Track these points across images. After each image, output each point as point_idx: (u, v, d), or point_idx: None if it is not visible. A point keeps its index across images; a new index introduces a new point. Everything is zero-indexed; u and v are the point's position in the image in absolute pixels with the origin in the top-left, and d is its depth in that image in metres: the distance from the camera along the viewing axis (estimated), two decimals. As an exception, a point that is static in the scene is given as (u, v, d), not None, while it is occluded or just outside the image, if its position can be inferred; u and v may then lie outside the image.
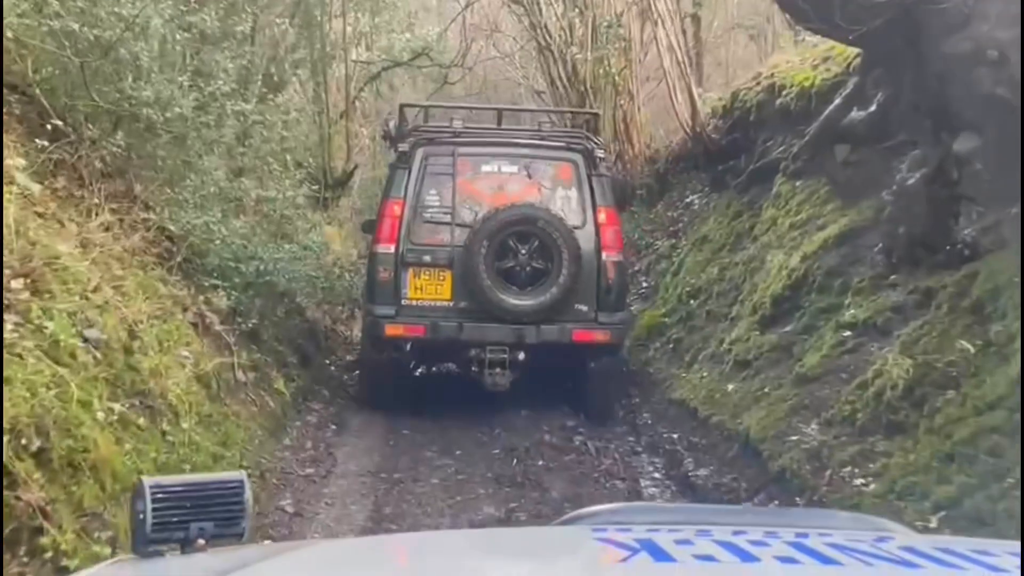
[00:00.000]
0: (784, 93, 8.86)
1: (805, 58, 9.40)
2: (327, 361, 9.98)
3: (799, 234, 7.54)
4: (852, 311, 6.10)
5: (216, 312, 6.93)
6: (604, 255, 7.44)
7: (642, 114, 13.07)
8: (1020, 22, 5.37)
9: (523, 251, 7.27)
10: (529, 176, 7.63)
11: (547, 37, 15.72)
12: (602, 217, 7.51)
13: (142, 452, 4.58)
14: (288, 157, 9.18)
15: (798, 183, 8.14)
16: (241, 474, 1.63)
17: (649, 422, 7.70)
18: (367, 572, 1.41)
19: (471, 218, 7.37)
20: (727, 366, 7.16)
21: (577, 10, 15.07)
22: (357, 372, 8.92)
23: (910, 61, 6.33)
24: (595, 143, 7.91)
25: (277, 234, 8.04)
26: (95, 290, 5.11)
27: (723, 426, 6.52)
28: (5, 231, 4.35)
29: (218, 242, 7.00)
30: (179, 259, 6.81)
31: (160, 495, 1.49)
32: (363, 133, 23.87)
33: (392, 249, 7.34)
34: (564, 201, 7.57)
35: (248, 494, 1.59)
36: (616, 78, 12.55)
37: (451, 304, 7.35)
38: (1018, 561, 1.31)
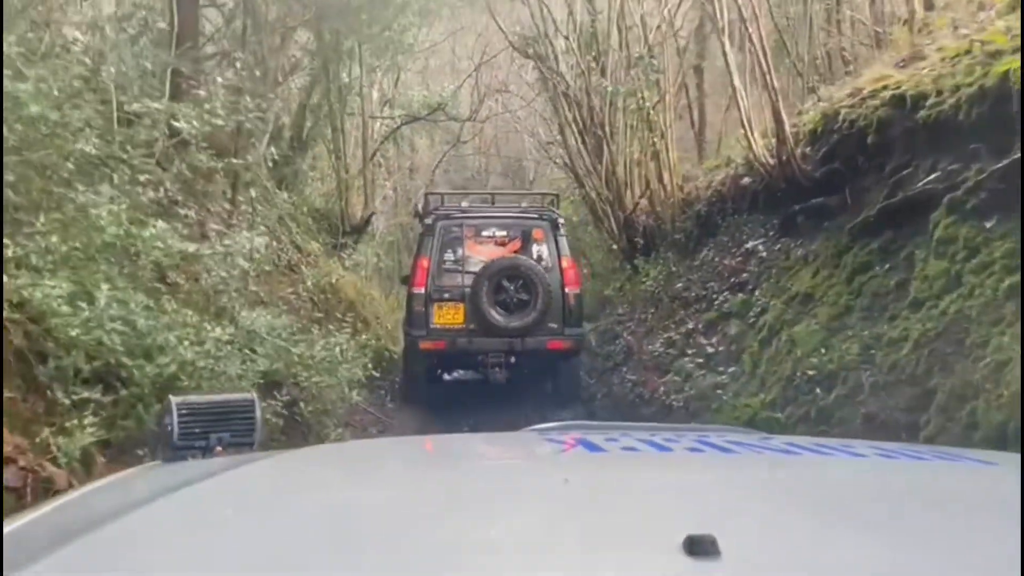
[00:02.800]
0: (930, 103, 4.86)
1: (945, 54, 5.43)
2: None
3: (1040, 304, 3.52)
4: None
5: (67, 458, 2.91)
6: (567, 289, 7.81)
7: (674, 152, 9.07)
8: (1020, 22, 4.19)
9: (512, 288, 7.64)
10: (514, 238, 8.12)
11: (564, 83, 11.77)
12: (564, 263, 7.93)
13: None
14: (230, 184, 5.04)
15: (990, 224, 4.13)
16: (252, 394, 1.43)
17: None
18: (360, 469, 1.23)
19: (476, 267, 7.74)
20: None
21: (592, 55, 11.14)
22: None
23: None
24: (557, 214, 8.31)
25: (207, 310, 3.96)
26: None
27: None
28: None
29: (77, 330, 2.95)
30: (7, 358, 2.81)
31: (185, 411, 1.32)
32: (386, 185, 19.90)
33: (423, 291, 7.74)
34: (539, 253, 7.99)
35: (259, 411, 1.39)
36: (651, 113, 8.55)
37: (464, 326, 7.70)
38: (875, 451, 1.24)
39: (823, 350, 4.81)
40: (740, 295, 6.62)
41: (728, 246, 7.49)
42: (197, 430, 1.31)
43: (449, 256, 7.87)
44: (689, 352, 6.78)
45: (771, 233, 6.90)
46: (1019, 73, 4.06)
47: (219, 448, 1.31)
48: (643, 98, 8.49)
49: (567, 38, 10.74)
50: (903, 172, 5.01)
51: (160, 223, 3.57)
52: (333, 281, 9.02)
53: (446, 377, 8.94)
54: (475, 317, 7.55)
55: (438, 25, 17.09)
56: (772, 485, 1.01)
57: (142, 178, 3.59)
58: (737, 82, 6.20)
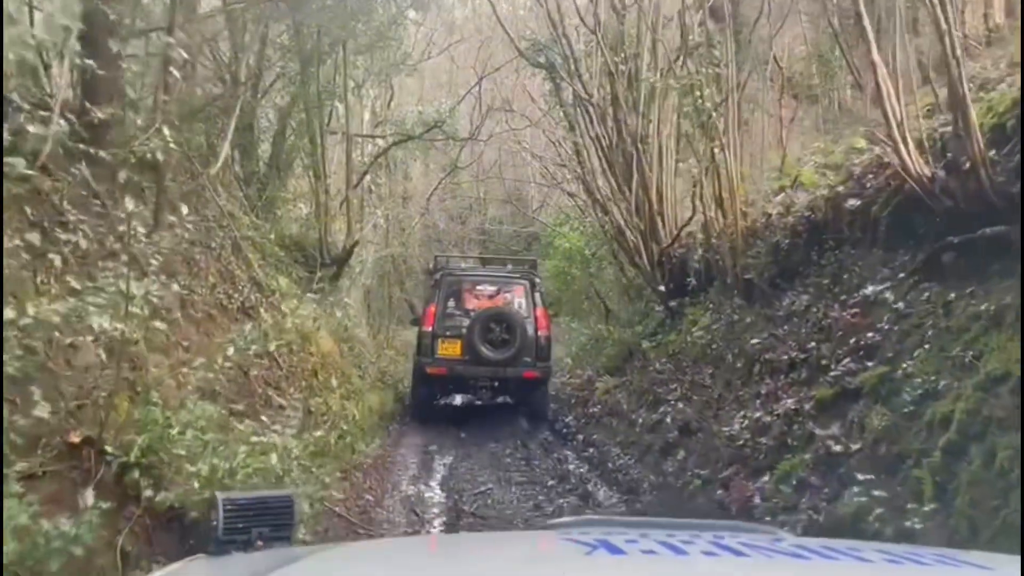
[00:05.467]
0: None
1: None
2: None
3: None
4: None
5: None
6: (539, 332, 9.77)
7: (740, 168, 7.04)
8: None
9: (498, 330, 9.52)
10: (500, 292, 10.30)
11: (584, 91, 9.82)
12: (538, 312, 9.93)
13: None
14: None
15: None
16: (291, 491, 1.51)
17: None
18: (384, 571, 1.26)
19: (471, 313, 9.80)
20: None
21: (621, 57, 9.20)
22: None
23: None
24: (535, 275, 10.72)
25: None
26: None
27: None
28: None
29: None
30: None
31: (230, 507, 1.39)
32: (376, 213, 17.81)
33: (431, 329, 9.79)
34: (519, 304, 10.06)
35: (296, 507, 1.47)
36: (712, 116, 6.54)
37: (461, 357, 9.60)
38: (882, 555, 1.28)
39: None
40: (871, 365, 4.53)
41: (833, 291, 5.42)
42: (240, 525, 1.37)
43: (451, 304, 10.02)
44: (795, 444, 4.67)
45: (902, 275, 4.85)
46: None
47: (260, 542, 1.35)
48: (701, 97, 6.47)
49: (594, 32, 8.80)
50: None
51: None
52: (295, 331, 6.86)
53: (443, 401, 10.80)
54: (469, 350, 9.51)
55: (438, 34, 15.18)
56: None
57: None
58: (876, 56, 4.17)
